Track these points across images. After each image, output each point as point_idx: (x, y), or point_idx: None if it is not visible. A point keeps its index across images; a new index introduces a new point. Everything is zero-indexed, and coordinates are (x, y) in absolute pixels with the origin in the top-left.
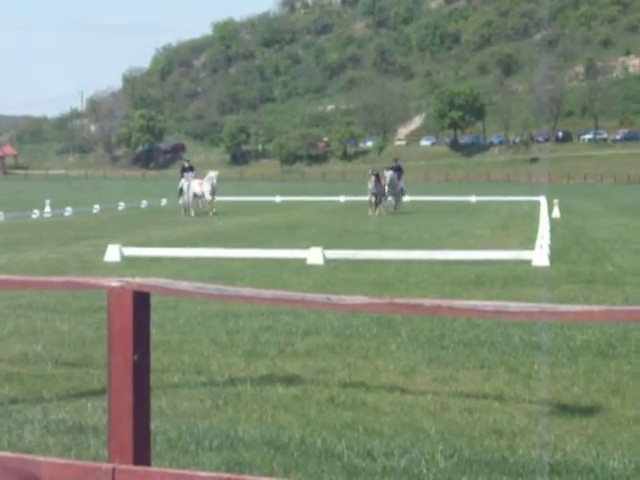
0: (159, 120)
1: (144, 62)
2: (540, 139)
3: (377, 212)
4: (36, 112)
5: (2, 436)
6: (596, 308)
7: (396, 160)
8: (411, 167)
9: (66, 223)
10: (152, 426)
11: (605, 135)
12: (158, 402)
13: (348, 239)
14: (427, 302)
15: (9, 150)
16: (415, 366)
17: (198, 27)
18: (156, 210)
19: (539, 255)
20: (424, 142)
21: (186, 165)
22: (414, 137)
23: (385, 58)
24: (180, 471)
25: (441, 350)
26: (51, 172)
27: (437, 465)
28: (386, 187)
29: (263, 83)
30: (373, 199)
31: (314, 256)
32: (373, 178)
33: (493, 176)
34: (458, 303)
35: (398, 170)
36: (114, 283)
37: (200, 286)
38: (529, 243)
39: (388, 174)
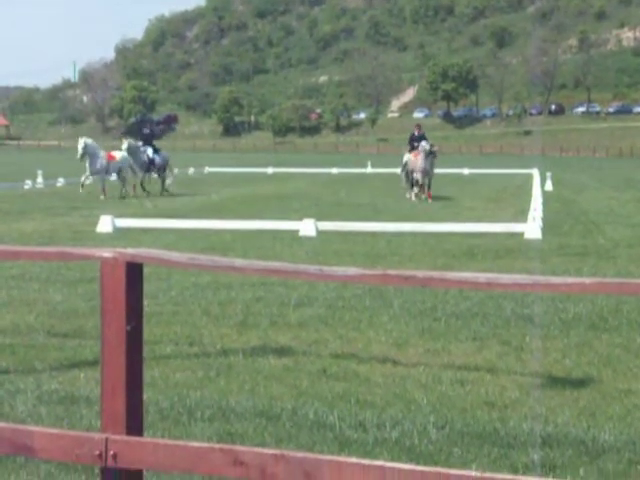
0: (151, 91)
1: (137, 33)
2: (533, 112)
3: (420, 195)
4: (28, 83)
5: None
6: (588, 280)
7: (419, 126)
8: (404, 140)
9: (58, 194)
10: (144, 397)
11: (598, 108)
12: (150, 373)
13: (340, 211)
14: (419, 274)
15: (1, 121)
16: (407, 338)
17: None
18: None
19: (531, 228)
20: (417, 114)
21: (146, 131)
22: (407, 109)
23: (378, 30)
24: (172, 441)
25: (433, 322)
26: (43, 143)
27: (429, 436)
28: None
29: (256, 54)
30: (420, 179)
31: (306, 227)
32: (422, 154)
33: (486, 148)
34: (450, 275)
35: (424, 139)
36: (107, 254)
37: (193, 257)
38: (522, 216)
39: (425, 145)
